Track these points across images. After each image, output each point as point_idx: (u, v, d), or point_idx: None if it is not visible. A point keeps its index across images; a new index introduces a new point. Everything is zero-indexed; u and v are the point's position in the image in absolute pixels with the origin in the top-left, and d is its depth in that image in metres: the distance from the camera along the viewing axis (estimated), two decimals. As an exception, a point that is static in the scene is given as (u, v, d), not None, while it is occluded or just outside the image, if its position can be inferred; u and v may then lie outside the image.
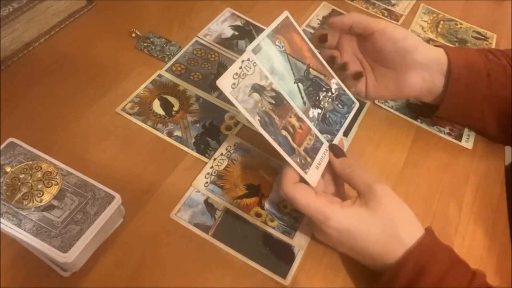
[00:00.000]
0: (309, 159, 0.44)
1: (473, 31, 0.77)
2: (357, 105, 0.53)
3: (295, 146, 0.44)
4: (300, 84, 0.47)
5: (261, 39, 0.44)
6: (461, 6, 0.81)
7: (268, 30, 0.45)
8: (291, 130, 0.44)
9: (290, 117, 0.45)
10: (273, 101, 0.44)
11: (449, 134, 0.60)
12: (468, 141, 0.60)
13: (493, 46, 0.75)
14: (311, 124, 0.47)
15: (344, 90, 0.53)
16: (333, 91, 0.51)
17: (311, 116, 0.47)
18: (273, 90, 0.44)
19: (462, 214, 0.52)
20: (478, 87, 0.54)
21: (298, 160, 0.43)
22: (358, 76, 0.54)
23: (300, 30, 0.49)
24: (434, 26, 0.76)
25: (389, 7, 0.77)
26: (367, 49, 0.54)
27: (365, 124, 0.59)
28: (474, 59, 0.54)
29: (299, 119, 0.46)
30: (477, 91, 0.54)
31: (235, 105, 0.41)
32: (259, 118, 0.42)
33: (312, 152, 0.45)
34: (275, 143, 0.42)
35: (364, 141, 0.57)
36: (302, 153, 0.44)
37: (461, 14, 0.79)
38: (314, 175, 0.44)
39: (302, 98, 0.47)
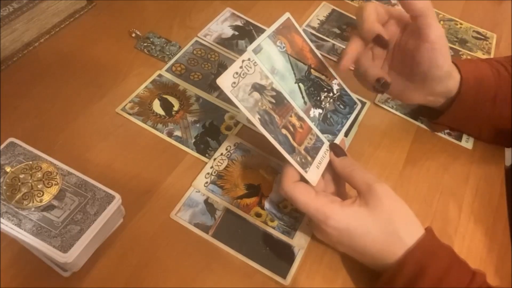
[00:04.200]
0: (309, 158, 0.44)
1: (473, 31, 0.77)
2: (359, 106, 0.53)
3: (295, 145, 0.44)
4: (301, 84, 0.47)
5: (262, 40, 0.44)
6: (461, 6, 0.81)
7: (269, 31, 0.45)
8: (292, 129, 0.44)
9: (291, 116, 0.45)
10: (273, 100, 0.44)
11: (449, 134, 0.60)
12: (468, 141, 0.60)
13: (493, 46, 0.75)
14: (311, 124, 0.47)
15: (346, 91, 0.53)
16: (335, 92, 0.51)
17: (312, 116, 0.47)
18: (273, 89, 0.44)
19: (462, 214, 0.52)
20: (481, 110, 0.54)
21: (298, 159, 0.43)
22: (384, 85, 0.50)
23: (301, 31, 0.49)
24: (434, 26, 0.75)
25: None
26: (405, 43, 0.50)
27: (365, 124, 0.59)
28: (486, 81, 0.53)
29: (299, 118, 0.46)
30: (480, 114, 0.55)
31: (235, 103, 0.41)
32: (259, 117, 0.42)
33: (313, 151, 0.45)
34: (275, 141, 0.42)
35: (364, 141, 0.57)
36: (303, 152, 0.44)
37: (461, 14, 0.79)
38: (314, 174, 0.44)
39: (303, 98, 0.47)
